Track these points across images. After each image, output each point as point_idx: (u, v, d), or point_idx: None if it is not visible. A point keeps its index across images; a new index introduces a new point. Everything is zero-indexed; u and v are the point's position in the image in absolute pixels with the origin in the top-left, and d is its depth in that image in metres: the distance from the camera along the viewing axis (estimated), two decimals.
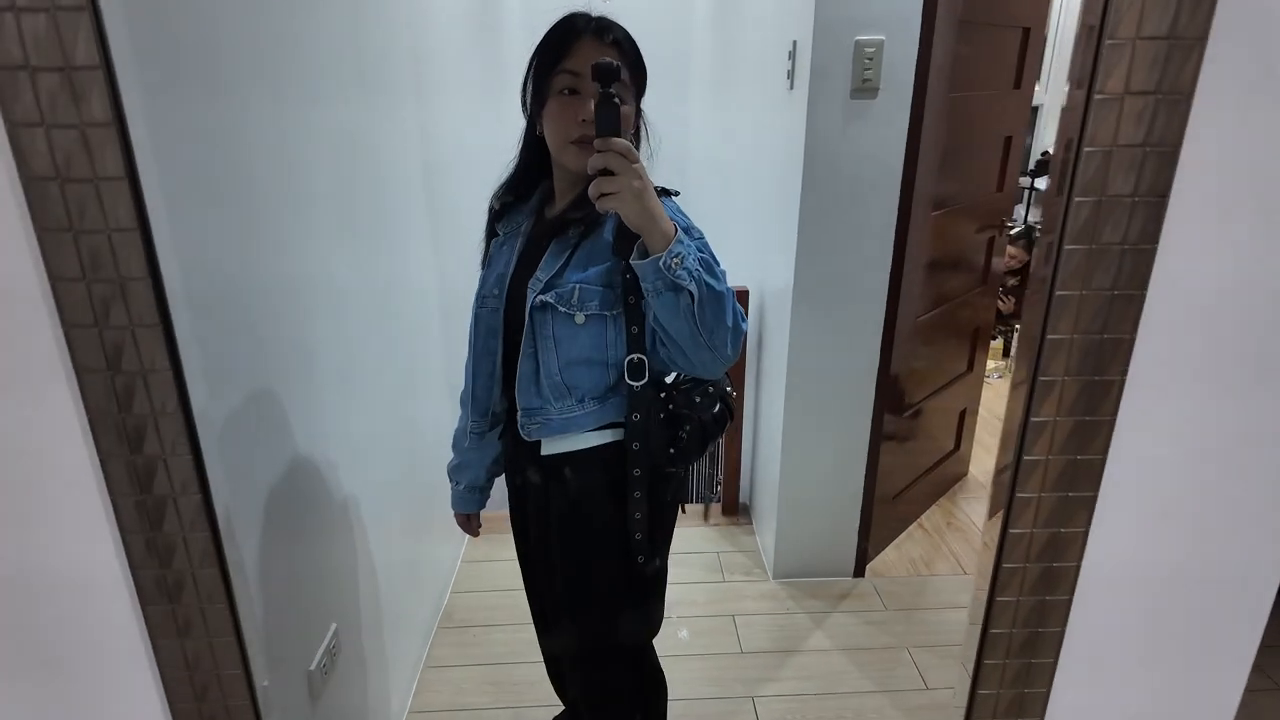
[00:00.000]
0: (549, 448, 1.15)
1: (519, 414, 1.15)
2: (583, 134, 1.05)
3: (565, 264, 1.09)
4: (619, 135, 0.92)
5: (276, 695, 1.14)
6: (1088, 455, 0.77)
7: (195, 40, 0.94)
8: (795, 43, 1.90)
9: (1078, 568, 0.81)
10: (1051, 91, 4.11)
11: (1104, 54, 0.64)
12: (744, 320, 1.04)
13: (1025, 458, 0.77)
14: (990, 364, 3.11)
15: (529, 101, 1.13)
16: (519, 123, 1.18)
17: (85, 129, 0.65)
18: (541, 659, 1.54)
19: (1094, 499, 0.79)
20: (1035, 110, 4.32)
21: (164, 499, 0.74)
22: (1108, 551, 0.81)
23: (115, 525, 0.75)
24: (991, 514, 0.84)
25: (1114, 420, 0.76)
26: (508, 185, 1.23)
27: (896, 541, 2.47)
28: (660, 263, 0.94)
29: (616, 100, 0.92)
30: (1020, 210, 4.27)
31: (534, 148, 1.17)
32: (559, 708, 1.65)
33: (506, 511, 1.37)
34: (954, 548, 2.44)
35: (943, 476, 2.69)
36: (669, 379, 1.16)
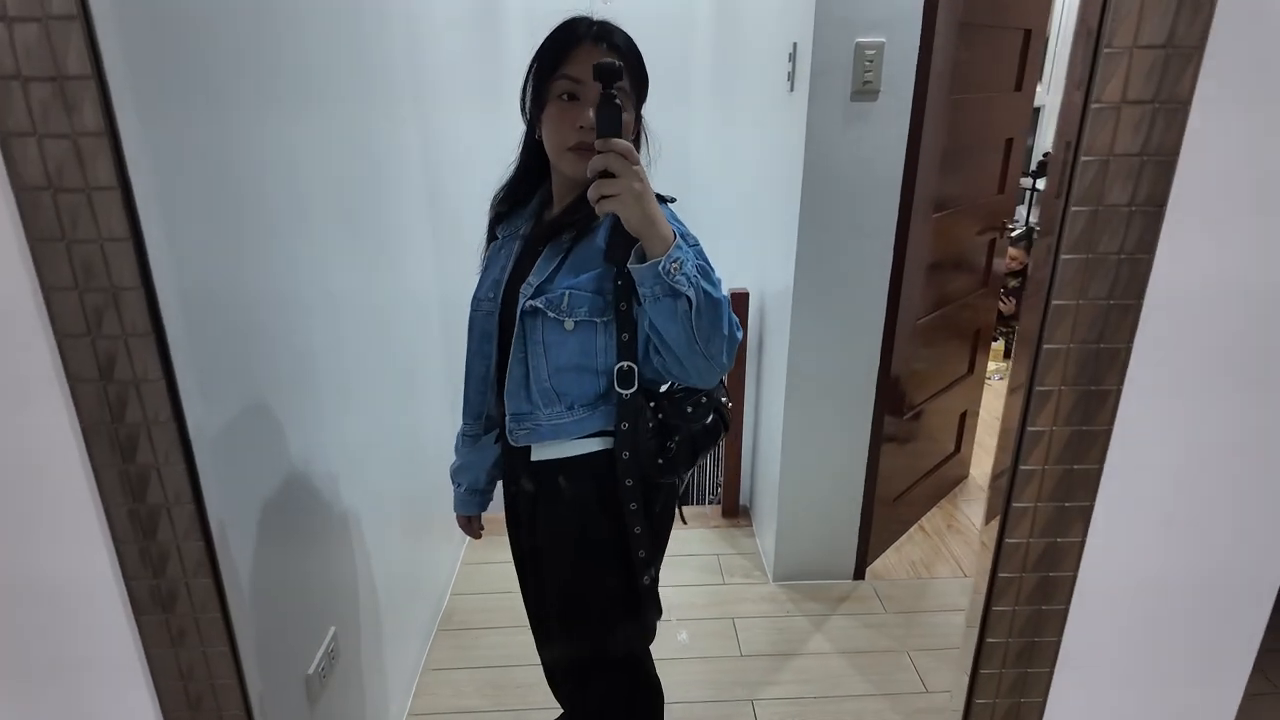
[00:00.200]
0: (539, 454, 1.15)
1: (507, 419, 1.15)
2: (580, 140, 1.04)
3: (557, 269, 1.09)
4: (620, 136, 0.91)
5: (274, 700, 1.14)
6: (1084, 465, 0.77)
7: (190, 48, 0.93)
8: (795, 45, 1.89)
9: (1074, 578, 0.81)
10: (1053, 93, 4.10)
11: (1101, 62, 0.64)
12: (739, 329, 1.04)
13: (1021, 467, 0.77)
14: (991, 366, 3.10)
15: (528, 106, 1.12)
16: (520, 127, 1.18)
17: (77, 139, 0.65)
18: (540, 662, 1.54)
19: (1090, 509, 0.78)
20: (1037, 112, 4.30)
21: (157, 508, 0.74)
22: (1104, 561, 0.81)
23: (108, 535, 0.75)
24: (988, 521, 0.84)
25: (1110, 430, 0.75)
26: (507, 189, 1.23)
27: (897, 544, 2.47)
28: (660, 267, 0.93)
29: (618, 101, 0.91)
30: (1022, 211, 4.26)
31: (533, 152, 1.17)
32: (558, 710, 1.65)
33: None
34: (954, 550, 2.43)
35: (943, 479, 2.68)
36: (662, 389, 1.15)
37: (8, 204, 0.66)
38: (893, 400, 2.15)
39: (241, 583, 1.01)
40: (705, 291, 0.96)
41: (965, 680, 0.88)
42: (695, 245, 1.04)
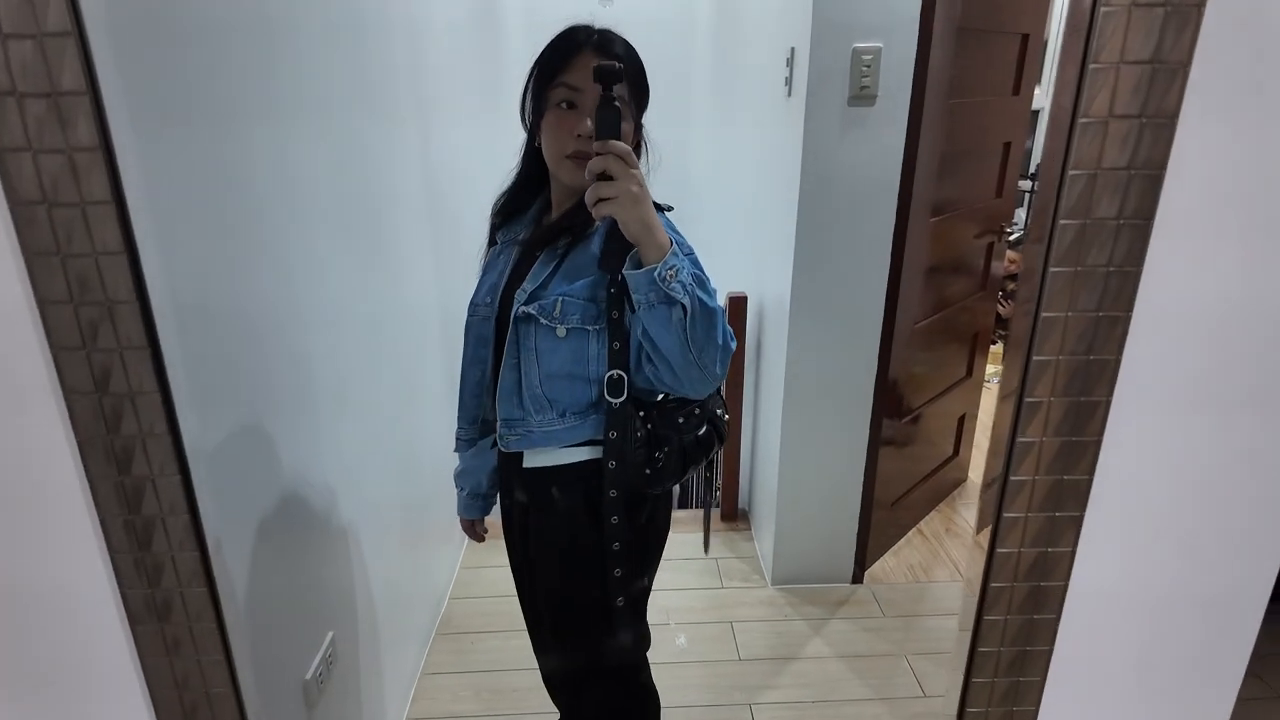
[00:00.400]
0: (530, 461, 1.15)
1: (499, 424, 1.15)
2: (579, 148, 1.04)
3: (551, 275, 1.09)
4: (618, 138, 0.90)
5: (271, 706, 1.15)
6: (1074, 476, 0.77)
7: (185, 60, 0.94)
8: (793, 50, 1.90)
9: (1065, 587, 0.81)
10: (1051, 96, 4.10)
11: (1088, 77, 0.64)
12: (733, 340, 1.03)
13: (1012, 478, 0.77)
14: (990, 369, 3.10)
15: (528, 113, 1.12)
16: (519, 133, 1.18)
17: (72, 153, 0.66)
18: (538, 667, 1.55)
19: (1080, 519, 0.79)
20: (1035, 115, 4.30)
21: (152, 519, 0.75)
22: (1095, 571, 0.81)
23: (104, 545, 0.75)
24: (979, 530, 0.84)
25: (1100, 441, 0.76)
26: (508, 196, 1.23)
27: (895, 548, 2.47)
28: (655, 274, 0.93)
29: (617, 103, 0.91)
30: (1021, 214, 4.25)
31: (533, 159, 1.17)
32: (556, 716, 1.65)
33: None
34: (953, 554, 2.44)
35: (942, 482, 2.68)
36: (656, 399, 1.14)
37: (3, 218, 0.67)
38: (891, 403, 2.16)
39: (237, 591, 1.02)
40: (700, 300, 0.96)
41: (959, 687, 0.88)
42: (690, 254, 1.03)
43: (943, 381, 2.52)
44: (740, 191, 2.49)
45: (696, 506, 2.81)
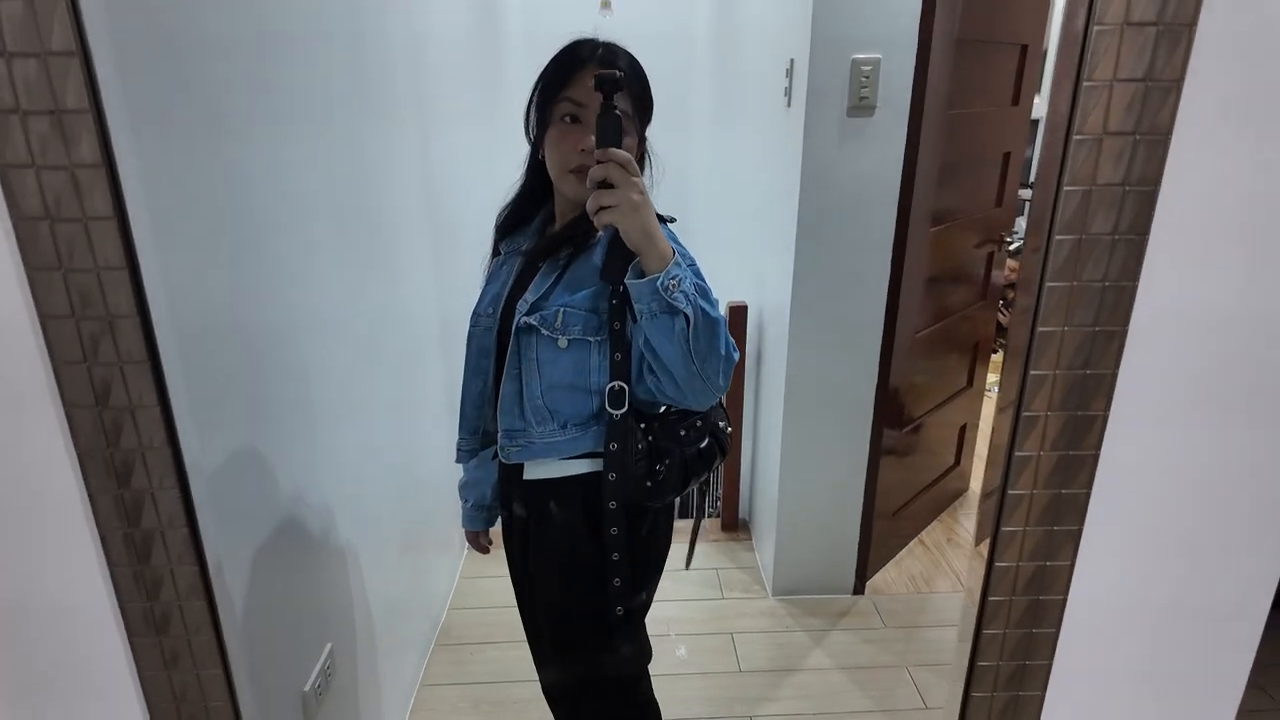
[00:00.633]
0: (531, 473, 1.15)
1: (500, 435, 1.15)
2: (582, 163, 1.04)
3: (553, 286, 1.09)
4: (620, 146, 0.91)
5: (269, 718, 1.14)
6: (1072, 490, 0.77)
7: (187, 77, 0.95)
8: (793, 61, 1.91)
9: (1064, 601, 0.81)
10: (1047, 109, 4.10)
11: (1082, 95, 0.65)
12: (735, 350, 1.03)
13: (1010, 492, 0.78)
14: (991, 378, 3.10)
15: (532, 127, 1.13)
16: (520, 144, 1.19)
17: (75, 170, 0.66)
18: (538, 678, 1.54)
19: (1079, 533, 0.79)
20: (1035, 124, 4.31)
21: (151, 532, 0.75)
22: (1094, 585, 0.81)
23: (103, 559, 0.75)
24: (978, 543, 0.84)
25: (1098, 455, 0.76)
26: (512, 207, 1.23)
27: (897, 558, 2.46)
28: (658, 283, 0.92)
29: (618, 111, 0.91)
30: (1021, 223, 4.26)
31: (537, 172, 1.17)
32: None
33: None
34: (954, 564, 2.43)
35: (943, 492, 2.68)
36: (658, 411, 1.14)
37: (6, 234, 0.68)
38: (892, 413, 2.16)
39: (236, 604, 1.02)
40: (703, 310, 0.96)
41: (959, 700, 0.88)
42: (692, 265, 1.04)
43: (944, 391, 2.52)
44: (740, 201, 2.50)
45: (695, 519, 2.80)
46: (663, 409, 1.14)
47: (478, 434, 1.30)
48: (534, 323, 1.07)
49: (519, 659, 1.81)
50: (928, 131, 1.89)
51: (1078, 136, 0.65)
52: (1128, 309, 0.71)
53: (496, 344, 1.17)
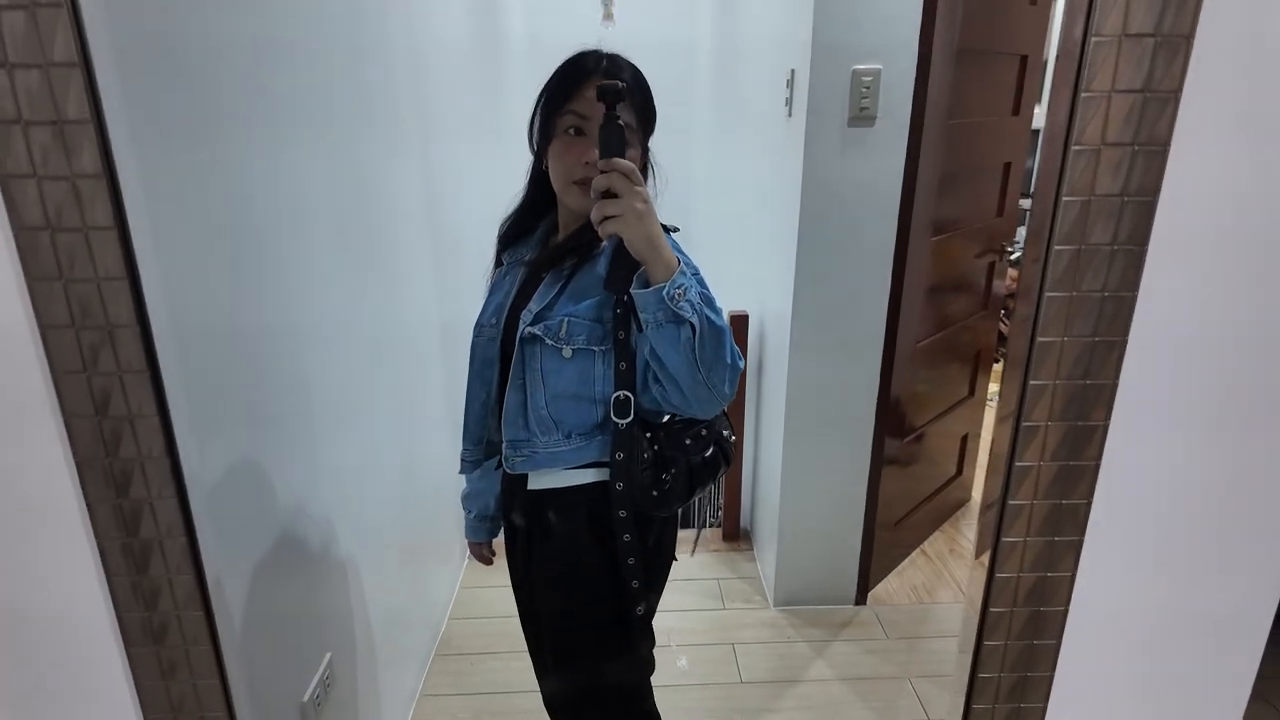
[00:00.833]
0: (535, 482, 1.15)
1: (505, 446, 1.15)
2: (586, 176, 1.04)
3: (557, 296, 1.09)
4: (623, 157, 0.91)
5: None
6: (1072, 500, 0.77)
7: (188, 87, 0.95)
8: (793, 71, 1.92)
9: (1065, 613, 0.81)
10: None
11: (1080, 106, 0.65)
12: (740, 359, 1.03)
13: (1010, 502, 0.77)
14: (993, 388, 3.09)
15: (536, 138, 1.13)
16: (522, 153, 1.19)
17: (76, 180, 0.67)
18: (539, 689, 1.53)
19: (1080, 543, 0.78)
20: (1036, 134, 4.32)
21: (150, 542, 0.75)
22: (1096, 596, 0.81)
23: (101, 568, 0.75)
24: (979, 554, 0.84)
25: (1098, 465, 0.75)
26: (514, 218, 1.23)
27: (899, 568, 2.45)
28: (664, 293, 0.92)
29: (621, 121, 0.92)
30: (1022, 233, 4.26)
31: (540, 183, 1.17)
32: None
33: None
34: (957, 575, 2.42)
35: (945, 502, 2.67)
36: (662, 419, 1.14)
37: (7, 244, 0.68)
38: (893, 423, 2.15)
39: (234, 614, 1.02)
40: (708, 319, 0.96)
41: (959, 715, 0.88)
42: (696, 274, 1.04)
43: (945, 400, 2.51)
44: (742, 211, 2.50)
45: (699, 526, 2.79)
46: (667, 418, 1.14)
47: (481, 444, 1.30)
48: (538, 332, 1.07)
49: (521, 670, 1.80)
50: (928, 141, 1.89)
51: (1076, 147, 0.66)
52: (1127, 319, 0.71)
53: (500, 354, 1.17)
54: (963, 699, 0.85)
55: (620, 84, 0.93)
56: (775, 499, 2.21)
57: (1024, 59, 2.31)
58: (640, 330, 0.99)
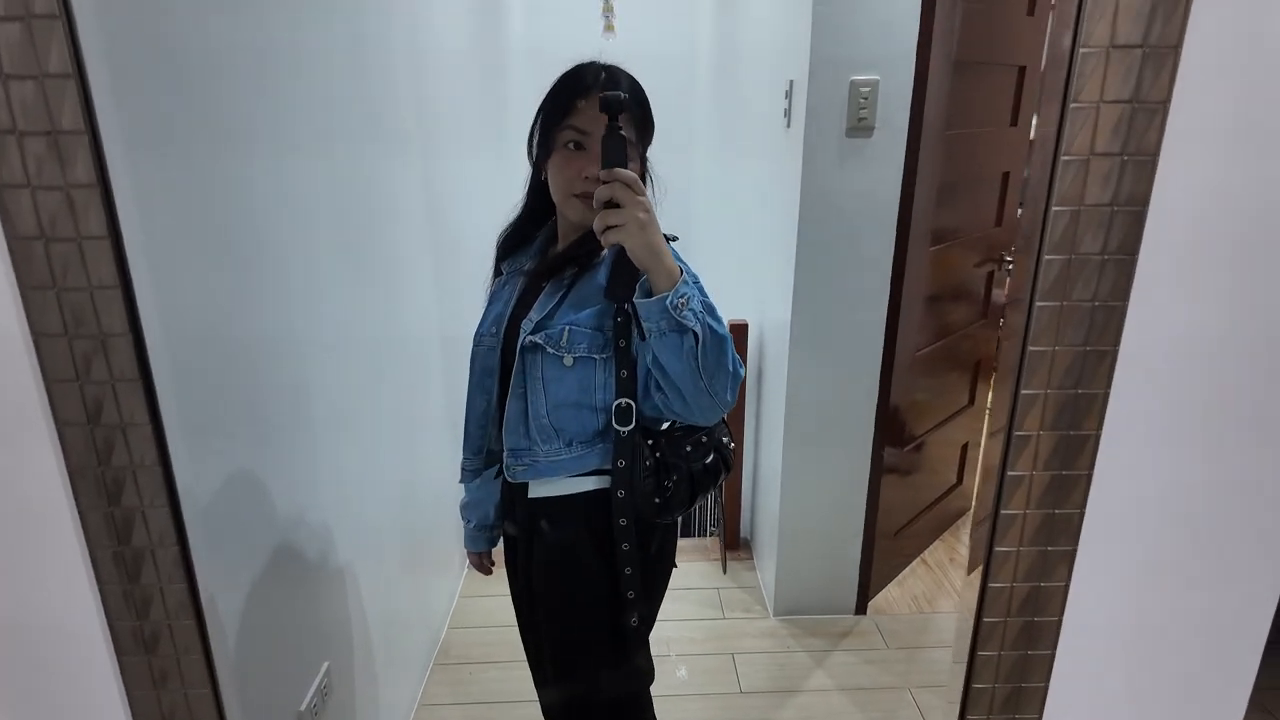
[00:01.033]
0: (536, 491, 1.15)
1: (505, 454, 1.15)
2: (585, 189, 1.04)
3: (558, 305, 1.09)
4: (624, 167, 0.92)
5: None
6: (1065, 509, 0.76)
7: (184, 96, 0.95)
8: (792, 82, 1.92)
9: (1059, 623, 0.80)
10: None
11: (1069, 117, 0.65)
12: (741, 366, 1.03)
13: (1003, 512, 0.77)
14: (992, 396, 3.09)
15: (535, 151, 1.14)
16: (522, 163, 1.19)
17: (70, 190, 0.67)
18: (537, 699, 1.53)
19: (1074, 553, 0.78)
20: (1033, 144, 4.32)
21: (142, 551, 0.75)
22: (1090, 606, 0.80)
23: (93, 577, 0.75)
24: (971, 567, 0.83)
25: (1091, 474, 0.75)
26: (514, 228, 1.24)
27: (899, 578, 2.44)
28: (668, 302, 0.93)
29: (623, 132, 0.92)
30: None
31: (539, 192, 1.18)
32: None
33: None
34: (957, 584, 2.41)
35: (945, 511, 2.66)
36: (662, 427, 1.14)
37: (1, 253, 0.68)
38: (893, 432, 2.15)
39: (229, 623, 1.01)
40: (711, 327, 0.96)
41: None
42: (696, 282, 1.04)
43: (945, 410, 2.51)
44: (741, 220, 2.51)
45: (699, 535, 2.79)
46: (667, 425, 1.14)
47: (481, 454, 1.30)
48: (539, 341, 1.07)
49: (520, 679, 1.80)
50: (926, 152, 1.90)
51: (1065, 157, 0.66)
52: (1118, 328, 0.70)
53: (500, 363, 1.18)
54: (957, 710, 0.85)
55: (621, 95, 0.93)
56: (775, 508, 2.21)
57: (1022, 70, 2.32)
58: (642, 338, 1.00)
